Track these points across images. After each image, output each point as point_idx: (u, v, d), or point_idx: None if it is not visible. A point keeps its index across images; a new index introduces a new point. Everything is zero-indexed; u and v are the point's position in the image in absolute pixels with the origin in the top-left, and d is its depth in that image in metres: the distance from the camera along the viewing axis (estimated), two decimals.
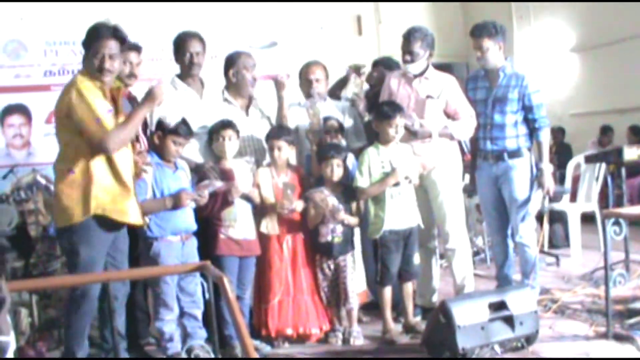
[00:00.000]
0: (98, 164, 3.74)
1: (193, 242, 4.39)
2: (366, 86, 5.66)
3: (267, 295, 4.70)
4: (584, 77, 9.88)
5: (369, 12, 11.23)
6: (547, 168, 5.04)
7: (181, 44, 4.83)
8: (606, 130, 9.39)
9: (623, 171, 6.04)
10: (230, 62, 4.95)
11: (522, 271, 5.19)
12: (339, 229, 4.69)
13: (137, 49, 4.62)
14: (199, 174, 4.52)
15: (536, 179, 5.04)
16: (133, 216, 3.88)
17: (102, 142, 3.66)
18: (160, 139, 4.33)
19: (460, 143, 5.30)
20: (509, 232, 5.24)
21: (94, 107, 3.68)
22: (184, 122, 4.35)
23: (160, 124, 4.38)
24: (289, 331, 4.67)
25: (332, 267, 4.75)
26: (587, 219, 7.10)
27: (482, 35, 4.97)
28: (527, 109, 5.02)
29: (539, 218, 5.53)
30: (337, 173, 4.71)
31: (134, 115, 3.84)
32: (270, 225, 4.73)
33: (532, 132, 5.08)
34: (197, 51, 4.81)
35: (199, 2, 9.26)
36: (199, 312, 4.35)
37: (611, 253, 4.47)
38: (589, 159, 6.77)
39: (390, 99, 4.99)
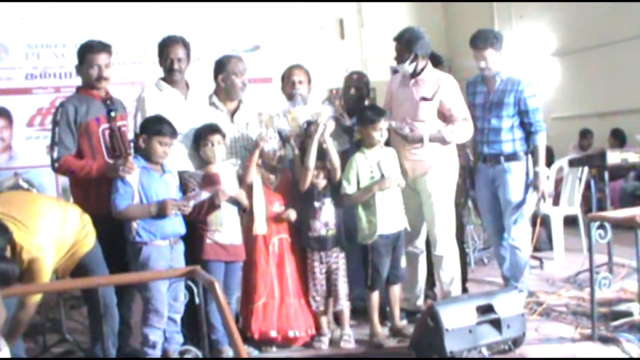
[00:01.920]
0: None
1: (181, 247, 4.36)
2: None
3: (252, 297, 4.68)
4: (565, 81, 9.95)
5: (352, 16, 11.26)
6: (543, 171, 5.09)
7: (164, 49, 4.78)
8: (586, 134, 9.47)
9: (606, 175, 6.08)
10: (220, 66, 4.92)
11: (512, 274, 5.23)
12: (332, 221, 4.71)
13: (104, 49, 4.50)
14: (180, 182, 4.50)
15: (532, 183, 5.07)
16: None
17: None
18: (146, 141, 4.29)
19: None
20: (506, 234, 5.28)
21: None
22: (167, 122, 4.32)
23: (144, 127, 4.35)
24: (273, 333, 4.64)
25: (323, 270, 4.74)
26: (569, 222, 7.15)
27: (486, 47, 5.02)
28: (522, 113, 5.06)
29: (534, 221, 5.55)
30: (321, 178, 4.72)
31: None
32: (261, 227, 4.69)
33: (528, 135, 5.11)
34: (179, 57, 4.75)
35: (182, 2, 9.24)
36: (178, 317, 4.32)
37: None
38: (573, 163, 6.82)
39: (390, 101, 5.05)
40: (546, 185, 5.10)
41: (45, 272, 3.55)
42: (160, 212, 4.17)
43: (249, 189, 4.66)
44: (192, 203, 4.28)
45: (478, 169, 5.29)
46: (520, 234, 5.11)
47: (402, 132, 4.79)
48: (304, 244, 4.76)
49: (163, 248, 4.22)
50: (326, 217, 4.71)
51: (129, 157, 4.26)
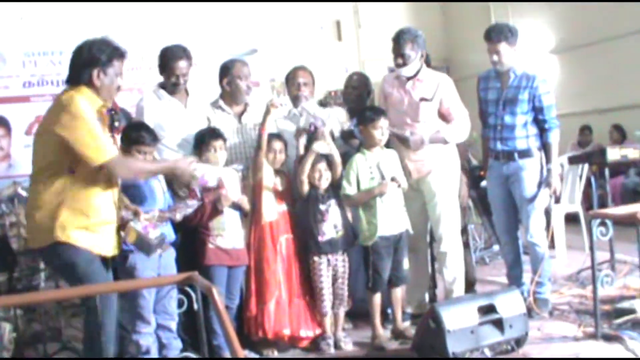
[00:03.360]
0: (72, 187, 3.57)
1: (171, 253, 4.29)
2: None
3: (263, 296, 4.67)
4: (564, 78, 9.91)
5: (349, 17, 11.25)
6: (556, 168, 5.05)
7: (167, 63, 4.76)
8: (585, 130, 9.47)
9: (607, 171, 6.06)
10: (225, 70, 4.97)
11: (533, 269, 5.15)
12: (340, 222, 4.71)
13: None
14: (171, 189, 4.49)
15: (545, 180, 5.02)
16: (103, 248, 3.68)
17: (109, 164, 3.52)
18: (125, 150, 4.21)
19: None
20: (519, 232, 5.26)
21: (95, 128, 3.52)
22: (146, 128, 4.29)
23: (124, 136, 4.27)
24: (287, 332, 4.66)
25: (330, 274, 4.73)
26: (571, 219, 7.13)
27: (500, 40, 4.95)
28: (537, 110, 5.01)
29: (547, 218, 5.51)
30: (323, 179, 4.70)
31: (157, 165, 3.96)
32: (269, 214, 4.72)
33: (542, 132, 5.07)
34: (184, 72, 4.77)
35: (179, 7, 9.23)
36: (173, 324, 4.28)
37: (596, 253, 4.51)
38: (573, 160, 6.80)
39: (385, 103, 5.00)
40: (558, 182, 5.06)
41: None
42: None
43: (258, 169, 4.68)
44: (179, 216, 4.26)
45: (490, 166, 5.25)
46: (537, 230, 5.07)
47: (402, 136, 4.78)
48: (312, 249, 4.73)
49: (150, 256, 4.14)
50: (334, 219, 4.71)
51: None
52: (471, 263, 5.66)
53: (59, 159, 3.53)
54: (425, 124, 4.85)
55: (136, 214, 3.96)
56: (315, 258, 4.73)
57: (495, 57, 5.00)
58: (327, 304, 4.72)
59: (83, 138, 3.46)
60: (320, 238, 4.69)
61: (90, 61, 3.59)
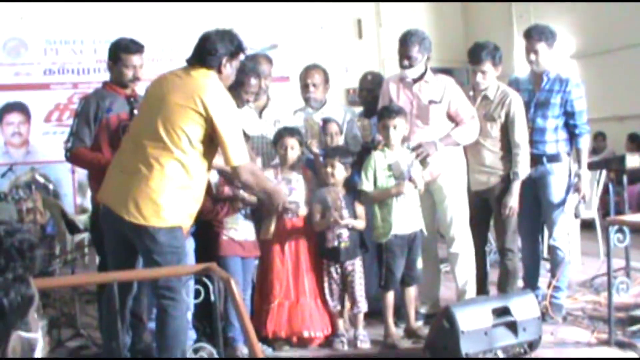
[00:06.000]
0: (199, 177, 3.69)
1: (190, 244, 4.32)
2: None
3: (268, 297, 4.69)
4: (584, 84, 9.85)
5: (370, 16, 11.23)
6: (586, 174, 5.01)
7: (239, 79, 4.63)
8: (599, 136, 9.44)
9: (624, 178, 6.02)
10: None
11: (552, 273, 5.14)
12: (345, 233, 4.64)
13: (139, 50, 4.47)
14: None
15: (574, 185, 5.00)
16: None
17: (242, 168, 3.68)
18: None
19: None
20: (541, 236, 5.25)
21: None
22: None
23: None
24: (282, 334, 4.65)
25: (339, 270, 4.72)
26: (586, 225, 7.10)
27: (540, 39, 4.91)
28: (568, 115, 4.97)
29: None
30: (339, 175, 4.68)
31: (268, 185, 4.01)
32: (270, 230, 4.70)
33: (572, 137, 5.03)
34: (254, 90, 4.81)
35: (200, 0, 9.26)
36: (188, 314, 4.25)
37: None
38: (591, 166, 6.76)
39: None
40: (587, 188, 5.04)
41: None
42: None
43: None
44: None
45: None
46: (560, 234, 5.04)
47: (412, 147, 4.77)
48: (319, 253, 4.76)
49: None
50: (339, 229, 4.65)
51: None
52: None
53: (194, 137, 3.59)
54: (435, 127, 4.83)
55: None
56: (324, 260, 4.75)
57: (532, 57, 4.95)
58: (332, 303, 4.71)
59: (234, 134, 3.62)
60: (325, 244, 4.69)
61: (222, 49, 3.70)
